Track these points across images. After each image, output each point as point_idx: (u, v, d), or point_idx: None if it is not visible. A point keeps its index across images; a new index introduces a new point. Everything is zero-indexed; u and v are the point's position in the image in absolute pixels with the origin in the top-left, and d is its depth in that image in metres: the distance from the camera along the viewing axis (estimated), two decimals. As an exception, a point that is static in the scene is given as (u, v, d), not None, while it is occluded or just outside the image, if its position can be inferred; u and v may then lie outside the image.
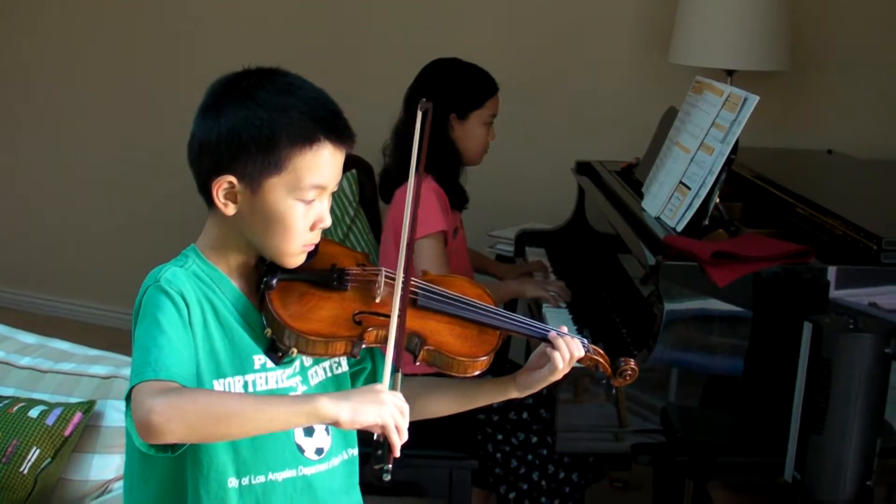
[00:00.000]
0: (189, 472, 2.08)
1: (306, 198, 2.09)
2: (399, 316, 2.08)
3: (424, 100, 2.23)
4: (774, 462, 2.91)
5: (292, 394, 2.09)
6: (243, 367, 2.09)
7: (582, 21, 5.21)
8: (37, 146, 6.41)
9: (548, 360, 2.22)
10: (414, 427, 2.42)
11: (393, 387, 2.01)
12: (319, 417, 1.92)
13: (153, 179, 6.09)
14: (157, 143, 6.01)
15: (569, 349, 2.21)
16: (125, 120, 6.15)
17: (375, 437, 1.95)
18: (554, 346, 2.21)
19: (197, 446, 2.05)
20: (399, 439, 1.94)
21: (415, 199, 2.21)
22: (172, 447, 1.98)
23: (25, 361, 3.13)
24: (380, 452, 1.94)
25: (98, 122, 6.23)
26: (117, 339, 3.28)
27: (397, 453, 1.94)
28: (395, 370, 2.03)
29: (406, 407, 1.97)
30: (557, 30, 5.25)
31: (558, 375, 2.23)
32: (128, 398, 1.95)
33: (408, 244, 2.16)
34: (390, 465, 1.94)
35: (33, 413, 2.89)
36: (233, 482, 2.10)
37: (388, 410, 1.93)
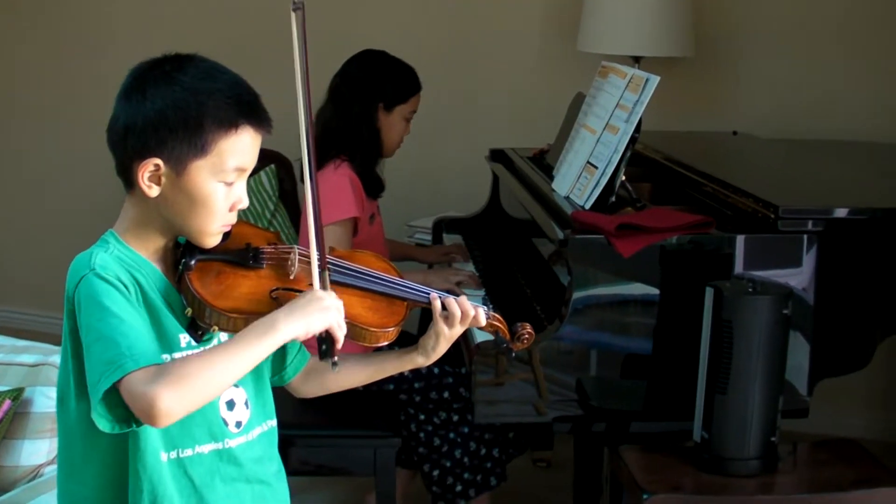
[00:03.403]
0: (130, 449, 2.13)
1: (228, 180, 2.15)
2: (315, 225, 2.21)
3: (294, 1, 2.25)
4: (685, 424, 3.01)
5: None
6: (171, 346, 2.14)
7: (491, 11, 5.31)
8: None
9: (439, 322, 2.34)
10: (337, 408, 2.52)
11: (323, 286, 2.18)
12: (285, 339, 2.08)
13: (63, 183, 6.12)
14: (67, 142, 6.04)
15: (458, 308, 2.31)
16: (31, 119, 6.17)
17: (318, 336, 2.13)
18: (444, 307, 2.32)
19: None
20: (342, 334, 2.13)
21: (308, 112, 2.27)
22: (138, 421, 2.04)
23: (-47, 355, 3.15)
24: (324, 347, 2.14)
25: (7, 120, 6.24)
26: (35, 340, 3.32)
27: (340, 346, 2.13)
28: (321, 271, 2.19)
29: (340, 303, 2.14)
30: (467, 20, 5.35)
31: (454, 334, 2.33)
32: (109, 389, 1.98)
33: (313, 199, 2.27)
34: (336, 358, 2.14)
35: (-38, 402, 2.94)
36: (164, 456, 2.16)
37: (333, 315, 2.11)
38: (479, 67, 5.35)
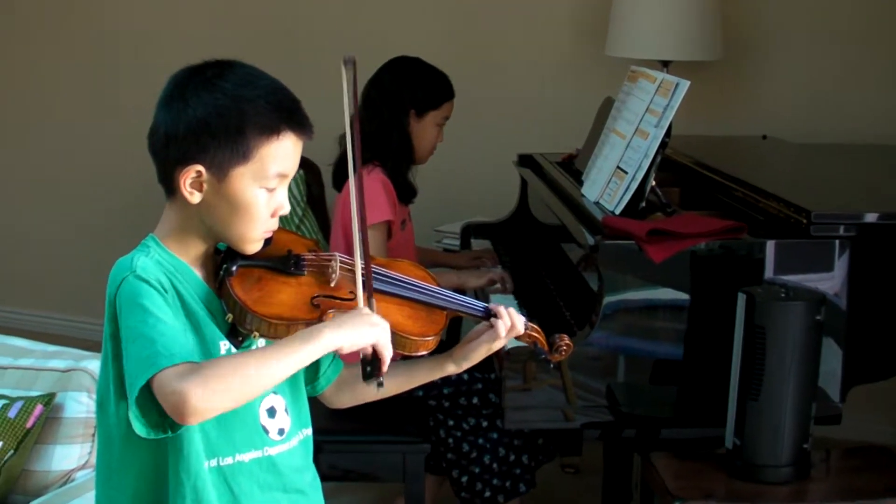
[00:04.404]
0: (170, 455, 2.13)
1: (270, 186, 2.14)
2: (363, 247, 2.21)
3: (346, 56, 2.27)
4: (717, 430, 3.00)
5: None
6: (210, 353, 2.13)
7: (519, 16, 5.30)
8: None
9: (486, 331, 2.32)
10: (366, 414, 2.52)
11: (369, 307, 2.17)
12: (328, 348, 2.06)
13: (98, 186, 6.12)
14: (103, 147, 6.05)
15: (510, 318, 2.30)
16: (70, 122, 6.17)
17: (362, 355, 2.12)
18: (497, 316, 2.30)
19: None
20: (388, 356, 2.12)
21: (354, 157, 2.25)
22: (172, 427, 2.04)
23: (-16, 360, 3.16)
24: (369, 369, 2.13)
25: (41, 124, 6.24)
26: (67, 345, 3.32)
27: (386, 367, 2.12)
28: (370, 296, 2.19)
29: (387, 325, 2.13)
30: (495, 25, 5.35)
31: (498, 345, 2.31)
32: (143, 388, 1.97)
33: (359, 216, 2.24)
34: (382, 378, 2.13)
35: (-6, 407, 2.95)
36: (206, 464, 2.15)
37: (381, 330, 2.10)
38: (507, 72, 5.34)
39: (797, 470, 2.91)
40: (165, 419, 2.03)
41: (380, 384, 2.14)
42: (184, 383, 1.93)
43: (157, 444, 2.10)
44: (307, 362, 2.07)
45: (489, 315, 2.33)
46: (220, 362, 2.03)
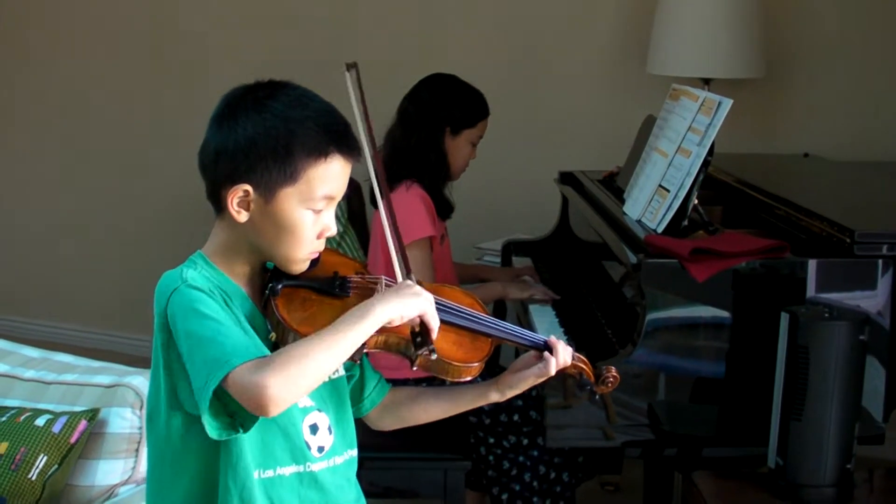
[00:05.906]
0: (221, 463, 2.15)
1: (316, 207, 2.16)
2: (393, 234, 2.27)
3: (347, 63, 2.29)
4: (759, 450, 2.99)
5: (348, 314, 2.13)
6: None
7: (561, 33, 5.30)
8: (17, 166, 6.47)
9: (536, 363, 2.32)
10: (407, 431, 2.53)
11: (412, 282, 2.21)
12: (380, 321, 2.08)
13: (141, 204, 6.14)
14: (146, 165, 6.07)
15: (564, 356, 2.31)
16: (117, 138, 6.18)
17: (411, 328, 2.15)
18: (552, 352, 2.31)
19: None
20: (436, 324, 2.15)
21: (377, 167, 2.37)
22: (244, 425, 2.07)
23: (30, 374, 3.17)
24: (419, 339, 2.15)
25: (86, 141, 6.26)
26: (111, 360, 3.34)
27: (435, 335, 2.15)
28: (409, 271, 2.26)
29: (431, 296, 2.16)
30: (536, 42, 5.35)
31: (546, 377, 2.32)
32: (215, 391, 2.00)
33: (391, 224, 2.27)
34: (433, 346, 2.15)
35: (40, 422, 2.95)
36: (255, 474, 2.17)
37: (425, 301, 2.14)
38: (549, 90, 5.34)
39: (840, 490, 2.89)
40: (235, 419, 2.06)
41: (432, 350, 2.15)
42: (260, 375, 1.96)
43: (207, 454, 2.13)
44: (363, 339, 2.08)
45: (545, 348, 2.33)
46: (286, 352, 2.04)
